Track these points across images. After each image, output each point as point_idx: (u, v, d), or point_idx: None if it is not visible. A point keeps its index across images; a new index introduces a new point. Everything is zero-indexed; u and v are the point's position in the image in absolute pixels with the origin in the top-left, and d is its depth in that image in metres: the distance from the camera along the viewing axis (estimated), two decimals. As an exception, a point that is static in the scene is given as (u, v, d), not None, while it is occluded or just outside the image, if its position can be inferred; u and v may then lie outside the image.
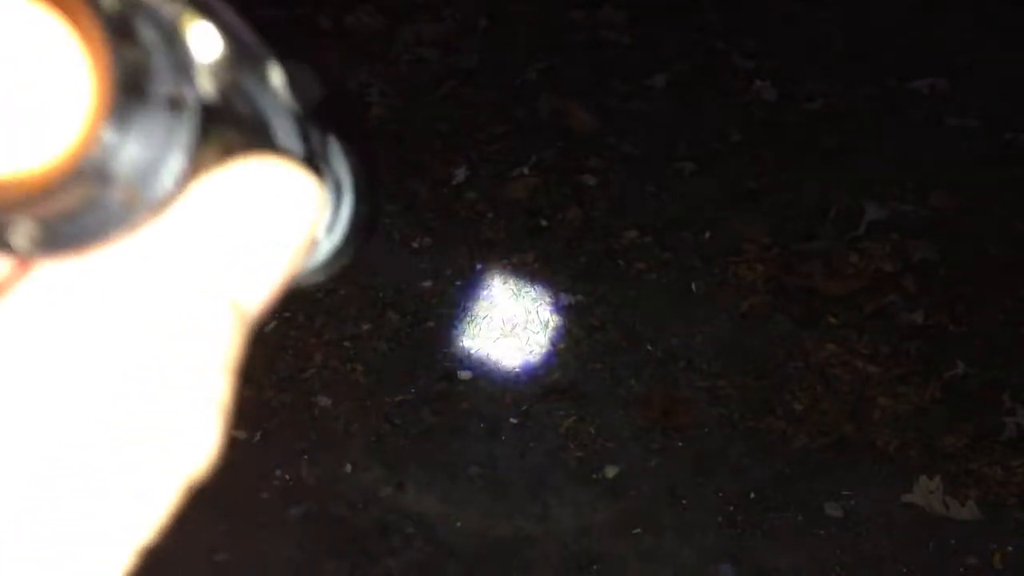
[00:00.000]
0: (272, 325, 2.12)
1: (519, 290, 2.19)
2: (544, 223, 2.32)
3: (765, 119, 2.54)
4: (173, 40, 0.20)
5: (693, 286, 2.20)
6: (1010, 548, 1.79)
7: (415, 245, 2.28)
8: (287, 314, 2.14)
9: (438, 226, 2.31)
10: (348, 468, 1.91)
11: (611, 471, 1.91)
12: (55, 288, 0.20)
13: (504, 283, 2.21)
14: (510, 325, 2.13)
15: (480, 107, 2.56)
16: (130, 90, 0.19)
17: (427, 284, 2.20)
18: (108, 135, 0.19)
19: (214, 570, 1.77)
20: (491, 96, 2.59)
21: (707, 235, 2.29)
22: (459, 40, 2.75)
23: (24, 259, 0.20)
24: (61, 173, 0.19)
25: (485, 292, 2.19)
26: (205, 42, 0.20)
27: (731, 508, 1.85)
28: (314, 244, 0.27)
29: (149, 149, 0.19)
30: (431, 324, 2.13)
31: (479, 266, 2.24)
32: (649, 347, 2.09)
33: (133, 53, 0.19)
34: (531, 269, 2.23)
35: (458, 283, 2.20)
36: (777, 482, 1.88)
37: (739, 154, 2.46)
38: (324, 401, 2.01)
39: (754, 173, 2.41)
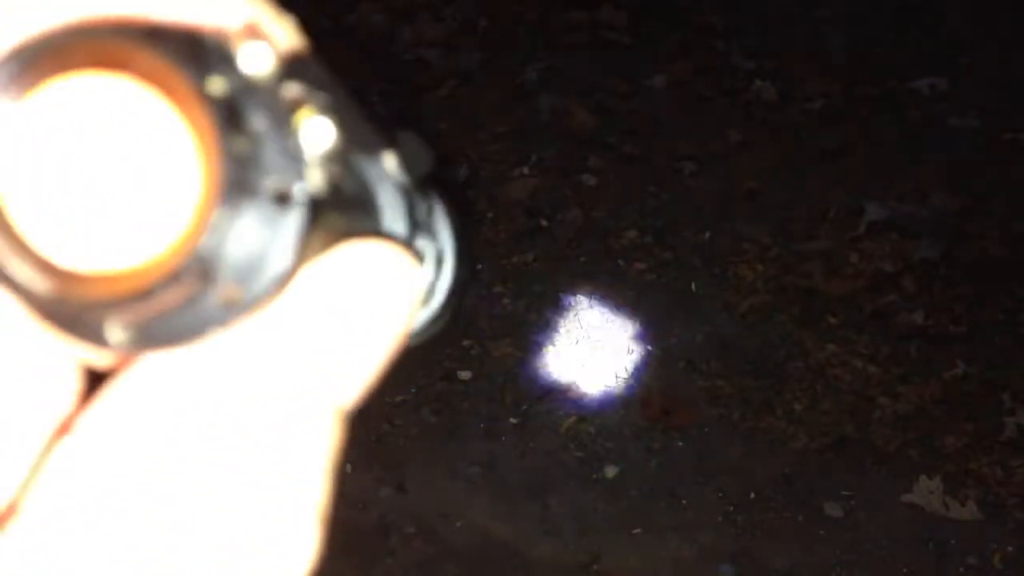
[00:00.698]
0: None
1: (519, 290, 2.19)
2: (544, 223, 2.32)
3: (765, 119, 2.54)
4: (284, 129, 0.18)
5: (693, 286, 2.20)
6: (1010, 548, 1.79)
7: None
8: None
9: (438, 226, 2.31)
10: (348, 468, 1.91)
11: (611, 471, 1.91)
12: (157, 382, 0.19)
13: (504, 283, 2.21)
14: (510, 325, 2.13)
15: (480, 107, 2.56)
16: (237, 184, 0.17)
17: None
18: (213, 234, 0.17)
19: (214, 570, 1.77)
20: (491, 96, 2.59)
21: (707, 235, 2.29)
22: (459, 40, 2.75)
23: (118, 354, 0.19)
24: (162, 273, 0.18)
25: (485, 292, 2.19)
26: (318, 132, 0.19)
27: (731, 508, 1.85)
28: (413, 326, 0.26)
29: (253, 246, 0.18)
30: (431, 324, 2.13)
31: (479, 266, 2.24)
32: (649, 347, 2.09)
33: (242, 144, 0.18)
34: (531, 269, 2.23)
35: (458, 283, 2.20)
36: (777, 482, 1.88)
37: (739, 154, 2.46)
38: (324, 401, 2.01)
39: (754, 173, 2.41)
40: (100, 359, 0.21)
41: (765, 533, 1.83)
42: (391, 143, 0.23)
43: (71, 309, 0.18)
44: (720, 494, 1.87)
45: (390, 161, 0.23)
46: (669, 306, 2.16)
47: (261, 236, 0.18)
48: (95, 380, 0.21)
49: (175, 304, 0.18)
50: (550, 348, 2.09)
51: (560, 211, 2.34)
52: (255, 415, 0.19)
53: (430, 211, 0.26)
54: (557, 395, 2.01)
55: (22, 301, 0.19)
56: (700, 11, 2.81)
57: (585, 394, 2.02)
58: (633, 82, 2.62)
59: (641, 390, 2.02)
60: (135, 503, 0.18)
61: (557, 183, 2.40)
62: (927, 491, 1.85)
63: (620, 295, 2.18)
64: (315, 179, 0.19)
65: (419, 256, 0.22)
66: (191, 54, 0.18)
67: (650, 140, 2.49)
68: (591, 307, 2.16)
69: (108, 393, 0.19)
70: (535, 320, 2.14)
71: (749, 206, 2.34)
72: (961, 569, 1.77)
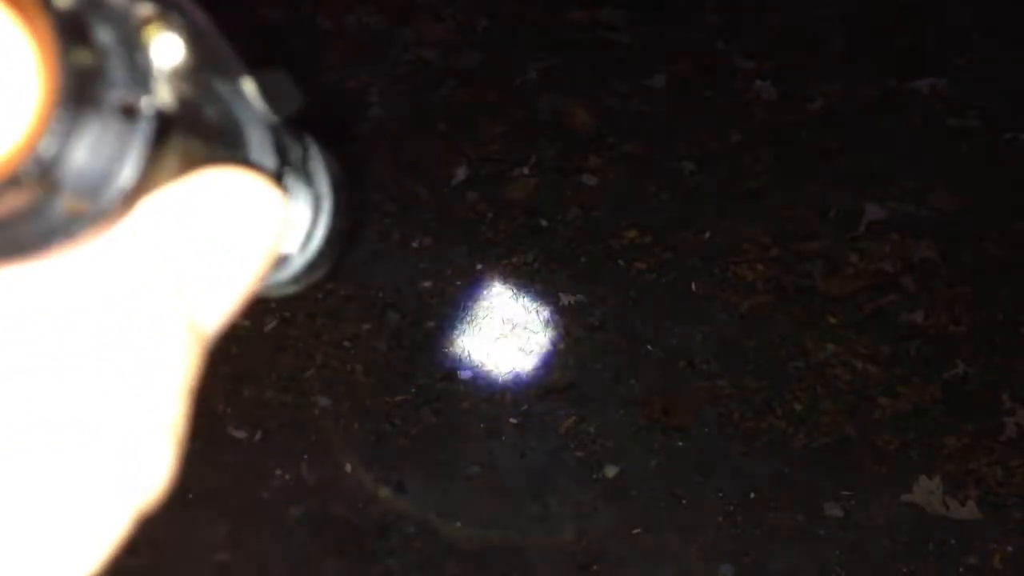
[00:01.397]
0: (272, 325, 2.12)
1: (519, 290, 2.19)
2: (544, 223, 2.32)
3: (765, 119, 2.54)
4: (132, 44, 0.18)
5: (693, 286, 2.20)
6: (1010, 548, 1.79)
7: (415, 245, 2.28)
8: (287, 314, 2.14)
9: (438, 226, 2.31)
10: (348, 468, 1.91)
11: (611, 471, 1.91)
12: (4, 292, 0.19)
13: (504, 283, 2.21)
14: (510, 325, 2.13)
15: (480, 107, 2.56)
16: (79, 94, 0.17)
17: (427, 284, 2.20)
18: (52, 139, 0.17)
19: (214, 570, 1.77)
20: (491, 96, 2.59)
21: (707, 235, 2.29)
22: (459, 40, 2.75)
23: None
24: (2, 175, 0.17)
25: (485, 292, 2.19)
26: (168, 48, 0.19)
27: (731, 508, 1.85)
28: (279, 259, 0.26)
29: (98, 158, 0.18)
30: (431, 324, 2.13)
31: (479, 266, 2.24)
32: (649, 347, 2.09)
33: (85, 55, 0.18)
34: (531, 269, 2.23)
35: (458, 283, 2.20)
36: (777, 482, 1.88)
37: (739, 154, 2.46)
38: (324, 401, 2.01)
39: (754, 173, 2.41)
40: None
41: (765, 533, 1.83)
42: (253, 74, 0.23)
43: None
44: (720, 494, 1.87)
45: (250, 89, 0.23)
46: (669, 306, 2.16)
47: (106, 148, 0.18)
48: None
49: (17, 211, 0.18)
50: (550, 348, 2.09)
51: (560, 211, 2.34)
52: (106, 328, 0.19)
53: (305, 155, 0.26)
54: (557, 395, 2.01)
55: None
56: (700, 11, 2.81)
57: (585, 394, 2.02)
58: (633, 82, 2.62)
59: (641, 390, 2.02)
60: None
61: (557, 183, 2.40)
62: (927, 491, 1.85)
63: (620, 295, 2.18)
64: (163, 94, 0.19)
65: (284, 189, 0.22)
66: None
67: (650, 140, 2.49)
68: (591, 307, 2.16)
69: None
70: (535, 320, 2.14)
71: (749, 206, 2.34)
72: (961, 569, 1.77)
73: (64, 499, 0.18)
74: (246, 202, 0.21)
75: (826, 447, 1.93)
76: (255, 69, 0.23)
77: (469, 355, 2.08)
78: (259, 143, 0.23)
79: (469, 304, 2.17)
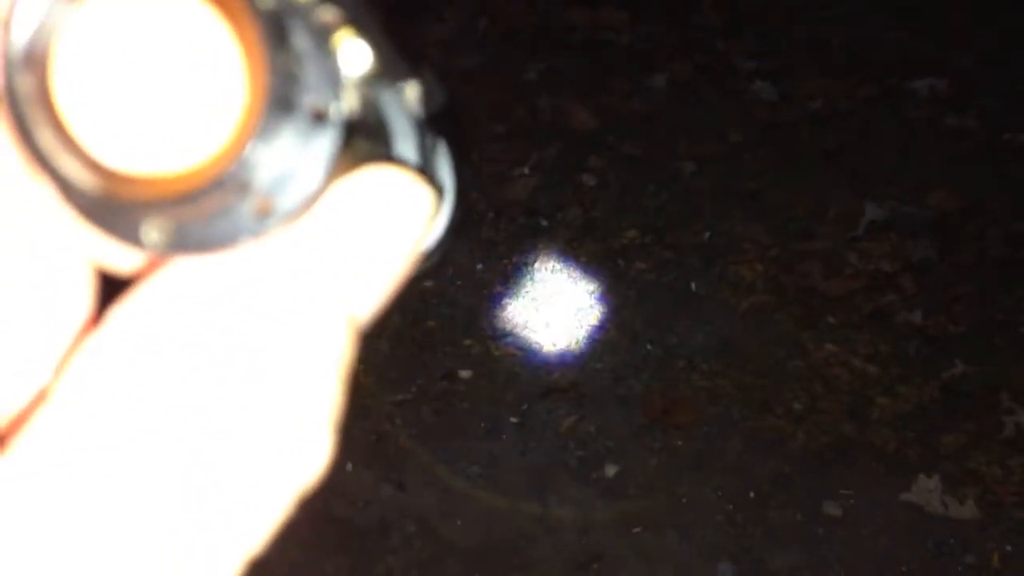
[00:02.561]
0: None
1: (519, 290, 2.19)
2: (544, 223, 2.32)
3: (765, 119, 2.54)
4: (324, 50, 0.19)
5: (693, 286, 2.20)
6: (1008, 547, 1.79)
7: (415, 245, 2.28)
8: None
9: (438, 226, 2.31)
10: (349, 467, 1.91)
11: (611, 470, 1.91)
12: (184, 288, 0.20)
13: (504, 283, 2.21)
14: (510, 325, 2.13)
15: (480, 107, 2.57)
16: (281, 99, 0.18)
17: (427, 284, 2.20)
18: (255, 147, 0.18)
19: (215, 569, 1.77)
20: (491, 96, 2.60)
21: (707, 235, 2.29)
22: (459, 40, 2.75)
23: (152, 255, 0.20)
24: (203, 180, 0.18)
25: (485, 292, 2.19)
26: (355, 55, 0.19)
27: (731, 507, 1.86)
28: (423, 250, 0.27)
29: (287, 160, 0.19)
30: (431, 324, 2.14)
31: (479, 266, 2.24)
32: (649, 347, 2.10)
33: (286, 60, 0.18)
34: (531, 269, 2.23)
35: (458, 283, 2.21)
36: (776, 481, 1.89)
37: (739, 154, 2.46)
38: (325, 401, 2.01)
39: (754, 173, 2.41)
40: (123, 263, 0.22)
41: (765, 532, 1.83)
42: (415, 75, 0.24)
43: (113, 208, 0.19)
44: (720, 493, 1.88)
45: (412, 92, 0.23)
46: (669, 306, 2.17)
47: (296, 152, 0.19)
48: (114, 288, 0.21)
49: (211, 211, 0.19)
50: (550, 348, 2.10)
51: (560, 211, 2.34)
52: (275, 322, 0.20)
53: (434, 148, 0.27)
54: (557, 395, 2.02)
55: (65, 197, 0.19)
56: (700, 11, 2.81)
57: (585, 394, 2.02)
58: (633, 82, 2.63)
59: (641, 390, 2.03)
60: (160, 400, 0.19)
61: (557, 183, 2.40)
62: (926, 490, 1.85)
63: (620, 295, 2.18)
64: (350, 101, 0.19)
65: (431, 184, 0.23)
66: None
67: (650, 140, 2.49)
68: (591, 307, 2.17)
69: (138, 293, 0.20)
70: (535, 320, 2.14)
71: (749, 206, 2.34)
72: (960, 568, 1.78)
73: (236, 480, 0.19)
74: (402, 196, 0.22)
75: (825, 446, 1.93)
76: (414, 69, 0.24)
77: (469, 355, 2.09)
78: (405, 137, 0.24)
79: (469, 304, 2.17)
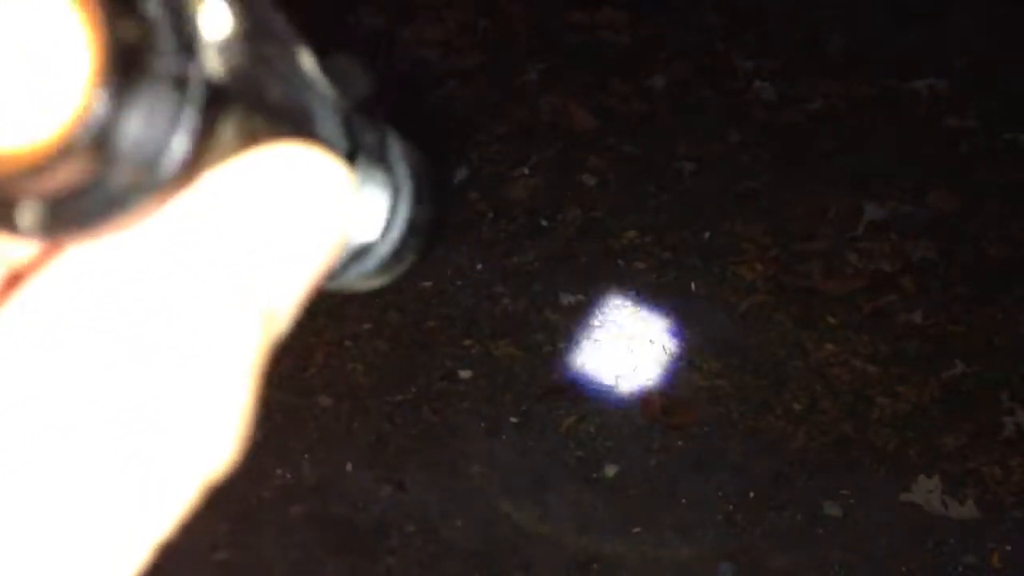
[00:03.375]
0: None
1: (520, 290, 2.19)
2: (544, 223, 2.32)
3: (765, 119, 2.54)
4: (179, 14, 0.19)
5: (693, 286, 2.20)
6: (1008, 547, 1.79)
7: (415, 245, 2.28)
8: (288, 314, 2.14)
9: (438, 226, 2.31)
10: (349, 467, 1.91)
11: (611, 471, 1.91)
12: (77, 276, 0.19)
13: (505, 283, 2.21)
14: (510, 324, 2.13)
15: (480, 107, 2.57)
16: (128, 64, 0.18)
17: (427, 284, 2.20)
18: (103, 107, 0.18)
19: (215, 569, 1.78)
20: (491, 96, 2.60)
21: (707, 235, 2.29)
22: (459, 40, 2.75)
23: (30, 240, 0.19)
24: (57, 146, 0.18)
25: (485, 292, 2.19)
26: (216, 17, 0.19)
27: (731, 507, 1.86)
28: (360, 249, 0.26)
29: (152, 128, 0.18)
30: (431, 324, 2.14)
31: (479, 266, 2.24)
32: (649, 347, 2.10)
33: (133, 25, 0.18)
34: (531, 269, 2.23)
35: (458, 283, 2.21)
36: (776, 481, 1.89)
37: (739, 154, 2.46)
38: (325, 400, 2.01)
39: (754, 173, 2.41)
40: (18, 253, 0.21)
41: (765, 532, 1.83)
42: (317, 57, 0.23)
43: None
44: (720, 493, 1.88)
45: (310, 65, 0.23)
46: (669, 306, 2.17)
47: (158, 119, 0.18)
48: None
49: (77, 183, 0.19)
50: (550, 348, 2.10)
51: (560, 211, 2.34)
52: (173, 309, 0.19)
53: (382, 141, 0.26)
54: (557, 395, 2.02)
55: None
56: (700, 11, 2.81)
57: (585, 394, 2.02)
58: (633, 82, 2.63)
59: (641, 390, 2.03)
60: (53, 388, 0.18)
61: (557, 183, 2.40)
62: (926, 490, 1.85)
63: (620, 295, 2.18)
64: (212, 63, 0.19)
65: (353, 169, 0.22)
66: None
67: (650, 140, 2.49)
68: (591, 307, 2.17)
69: (28, 288, 0.19)
70: (535, 320, 2.14)
71: (749, 206, 2.35)
72: (960, 568, 1.78)
73: (140, 466, 0.19)
74: (312, 177, 0.20)
75: (825, 447, 1.93)
76: (319, 54, 0.23)
77: (469, 355, 2.09)
78: (329, 126, 0.23)
79: (469, 304, 2.17)
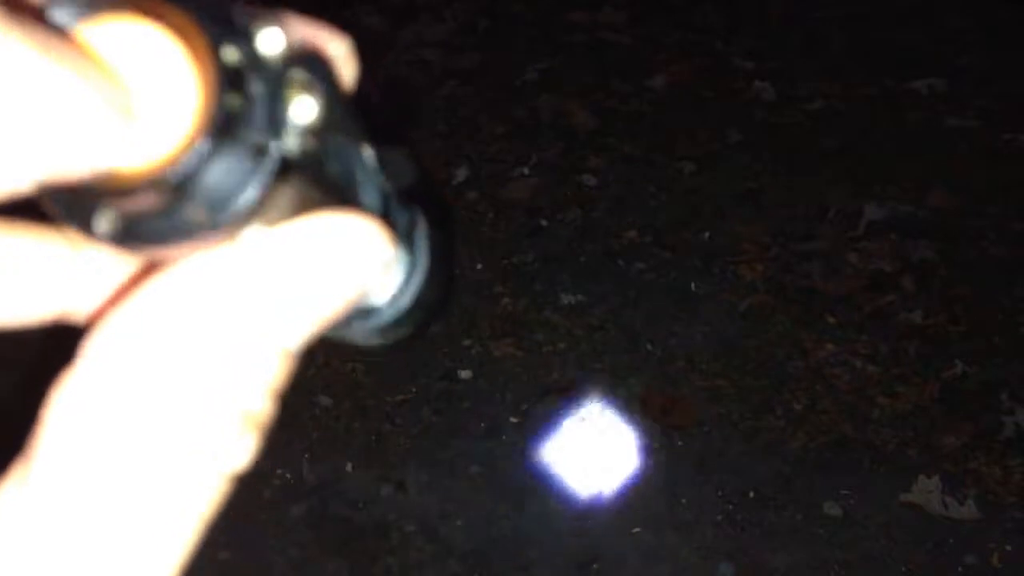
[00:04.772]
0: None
1: (520, 290, 2.20)
2: (544, 223, 2.32)
3: (765, 119, 2.54)
4: (276, 98, 0.23)
5: (693, 286, 2.20)
6: (1008, 547, 1.79)
7: (415, 245, 2.28)
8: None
9: (438, 226, 2.31)
10: (349, 467, 1.91)
11: (611, 471, 1.91)
12: (152, 307, 0.23)
13: (504, 283, 2.21)
14: (510, 324, 2.14)
15: (480, 107, 2.57)
16: (224, 129, 0.22)
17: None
18: (196, 157, 0.22)
19: (215, 568, 1.78)
20: (491, 96, 2.60)
21: (707, 235, 2.30)
22: (459, 40, 2.75)
23: (99, 244, 0.23)
24: (148, 176, 0.22)
25: (485, 292, 2.20)
26: (305, 108, 0.23)
27: (730, 507, 1.86)
28: (367, 309, 0.30)
29: (227, 181, 0.22)
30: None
31: (479, 266, 2.24)
32: (649, 347, 2.10)
33: (236, 100, 0.22)
34: (531, 269, 2.23)
35: (458, 283, 2.21)
36: (776, 481, 1.89)
37: (739, 154, 2.46)
38: (325, 400, 2.01)
39: (754, 173, 2.42)
40: (82, 306, 0.28)
41: (765, 532, 1.83)
42: (377, 146, 0.28)
43: (71, 194, 0.23)
44: (720, 493, 1.88)
45: (369, 156, 0.28)
46: (669, 306, 2.17)
47: (234, 175, 0.22)
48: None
49: (152, 208, 0.22)
50: (550, 348, 2.10)
51: (560, 211, 2.34)
52: (214, 340, 0.23)
53: (412, 225, 0.31)
54: (557, 395, 2.02)
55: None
56: (700, 11, 2.82)
57: (585, 394, 2.02)
58: (633, 82, 2.63)
59: (641, 390, 2.03)
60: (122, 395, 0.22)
61: (557, 183, 2.40)
62: (926, 490, 1.85)
63: (620, 295, 2.18)
64: (291, 143, 0.23)
65: (382, 230, 0.26)
66: (218, 22, 0.23)
67: (650, 140, 2.49)
68: (591, 307, 2.17)
69: (112, 320, 0.23)
70: (535, 320, 2.14)
71: (749, 206, 2.35)
72: (960, 568, 1.78)
73: (169, 467, 0.22)
74: (351, 236, 0.25)
75: (825, 446, 1.93)
76: (381, 145, 0.28)
77: (469, 355, 2.09)
78: (370, 203, 0.28)
79: (469, 304, 2.17)
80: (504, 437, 1.96)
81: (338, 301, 0.25)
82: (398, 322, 0.31)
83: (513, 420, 1.98)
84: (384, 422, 1.98)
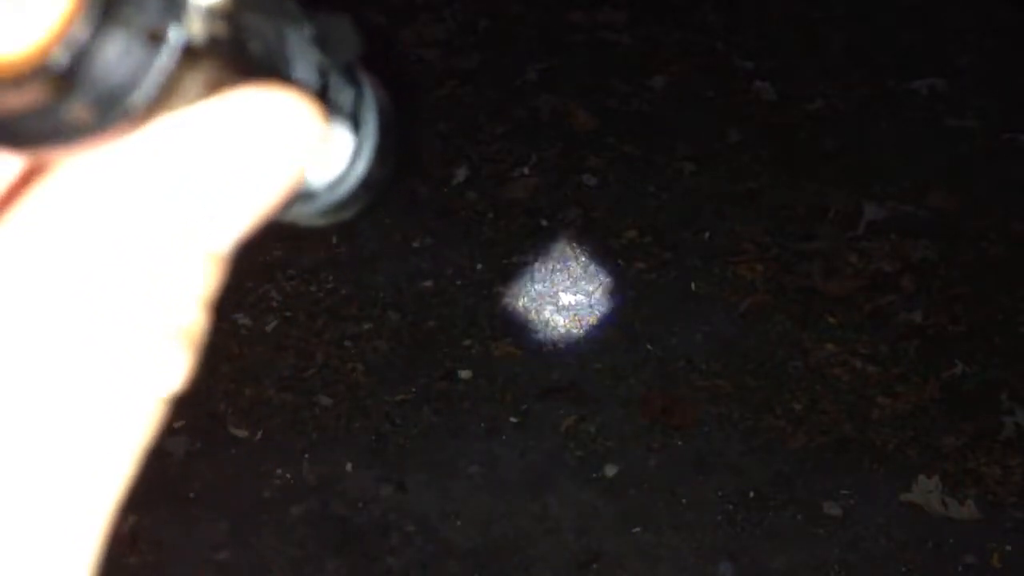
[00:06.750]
0: (273, 324, 2.13)
1: (519, 290, 2.19)
2: (544, 223, 2.32)
3: (765, 119, 2.54)
4: None
5: (693, 286, 2.20)
6: (1008, 547, 1.79)
7: (415, 245, 2.28)
8: (288, 313, 2.14)
9: (438, 226, 2.31)
10: (349, 467, 1.91)
11: (611, 471, 1.91)
12: (56, 199, 0.20)
13: (505, 283, 2.21)
14: (510, 324, 2.14)
15: (480, 107, 2.57)
16: (105, 10, 0.19)
17: (427, 284, 2.20)
18: (70, 46, 0.19)
19: (215, 568, 1.78)
20: (491, 96, 2.60)
21: (707, 235, 2.30)
22: (459, 40, 2.75)
23: None
24: (24, 65, 0.19)
25: (485, 292, 2.19)
26: None
27: (730, 507, 1.86)
28: (308, 192, 0.27)
29: (118, 73, 0.19)
30: (431, 324, 2.14)
31: (479, 266, 2.24)
32: (649, 347, 2.10)
33: None
34: (531, 269, 2.23)
35: (458, 283, 2.21)
36: (776, 481, 1.89)
37: (739, 154, 2.46)
38: (325, 400, 2.01)
39: (754, 173, 2.42)
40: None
41: (765, 532, 1.83)
42: (312, 18, 0.24)
43: None
44: (720, 493, 1.88)
45: (306, 35, 0.24)
46: (669, 306, 2.17)
47: (126, 67, 0.19)
48: None
49: (36, 104, 0.19)
50: (550, 348, 2.10)
51: (560, 211, 2.34)
52: (127, 240, 0.20)
53: (357, 100, 0.27)
54: (557, 395, 2.02)
55: None
56: (700, 11, 2.82)
57: (585, 394, 2.02)
58: (633, 82, 2.63)
59: (641, 390, 2.03)
60: (19, 310, 0.20)
61: (557, 183, 2.40)
62: (926, 490, 1.85)
63: (620, 295, 2.18)
64: (194, 28, 0.20)
65: (319, 108, 0.23)
66: None
67: (650, 140, 2.49)
68: (591, 307, 2.17)
69: (28, 201, 0.21)
70: (535, 320, 2.14)
71: (749, 206, 2.35)
72: (960, 568, 1.78)
73: (96, 385, 0.20)
74: (278, 117, 0.21)
75: (825, 446, 1.93)
76: (315, 11, 0.24)
77: (469, 355, 2.09)
78: (305, 81, 0.24)
79: (469, 304, 2.17)
80: (504, 437, 1.96)
81: (266, 191, 0.21)
82: (343, 204, 0.28)
83: (513, 420, 1.98)
84: (384, 422, 1.98)
